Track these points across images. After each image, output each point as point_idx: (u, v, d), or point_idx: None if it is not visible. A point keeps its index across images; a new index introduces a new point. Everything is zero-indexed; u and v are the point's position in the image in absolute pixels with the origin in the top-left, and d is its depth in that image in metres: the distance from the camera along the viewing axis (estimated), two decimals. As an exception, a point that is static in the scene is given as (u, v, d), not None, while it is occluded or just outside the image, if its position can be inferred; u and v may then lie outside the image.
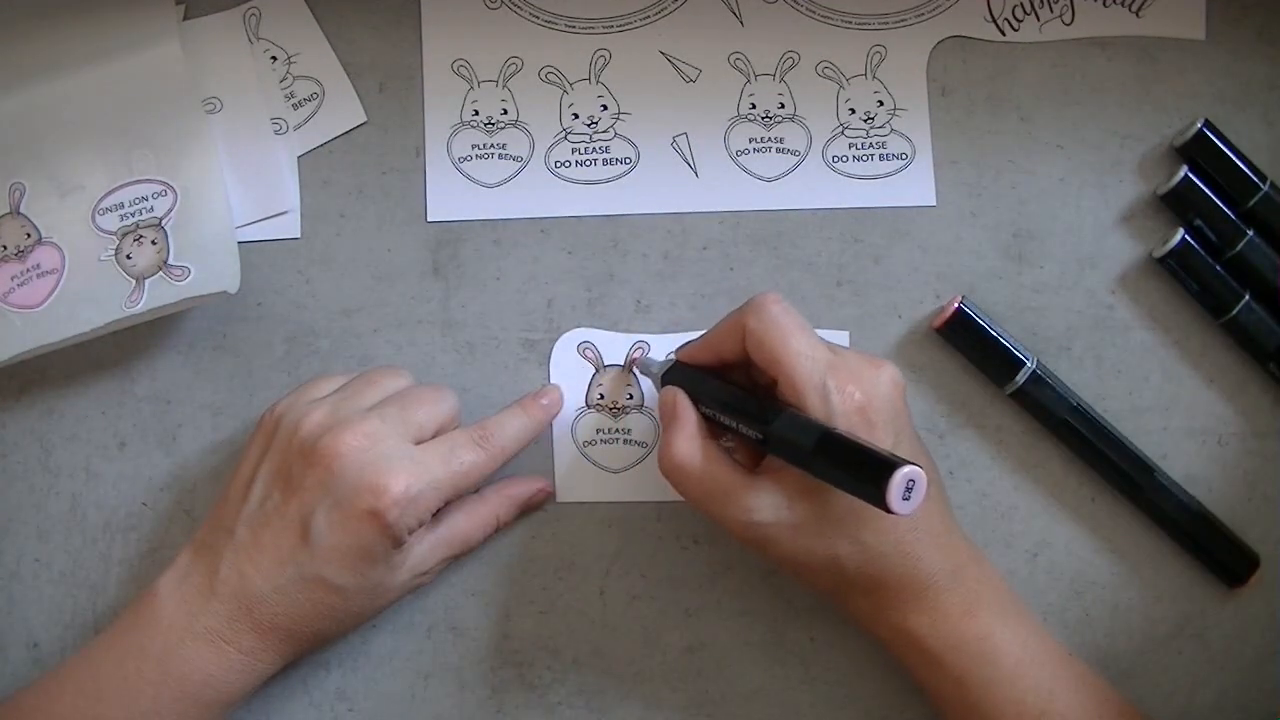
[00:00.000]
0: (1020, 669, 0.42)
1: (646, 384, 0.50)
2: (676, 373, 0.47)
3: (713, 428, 0.45)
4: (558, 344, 0.51)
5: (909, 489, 0.37)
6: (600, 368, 0.51)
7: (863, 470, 0.38)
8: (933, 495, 0.43)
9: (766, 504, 0.42)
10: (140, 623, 0.44)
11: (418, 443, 0.45)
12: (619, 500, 0.50)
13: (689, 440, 0.43)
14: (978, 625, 0.43)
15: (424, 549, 0.46)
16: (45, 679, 0.44)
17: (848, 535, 0.42)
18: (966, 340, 0.49)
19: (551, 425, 0.50)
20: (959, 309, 0.49)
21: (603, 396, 0.50)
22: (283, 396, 0.48)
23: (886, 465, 0.37)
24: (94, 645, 0.44)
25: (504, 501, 0.48)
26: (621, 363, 0.51)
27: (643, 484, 0.50)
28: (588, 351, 0.51)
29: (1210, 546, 0.49)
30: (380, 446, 0.43)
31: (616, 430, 0.50)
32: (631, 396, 0.50)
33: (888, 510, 0.37)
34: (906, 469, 0.36)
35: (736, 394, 0.44)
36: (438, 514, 0.45)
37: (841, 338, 0.50)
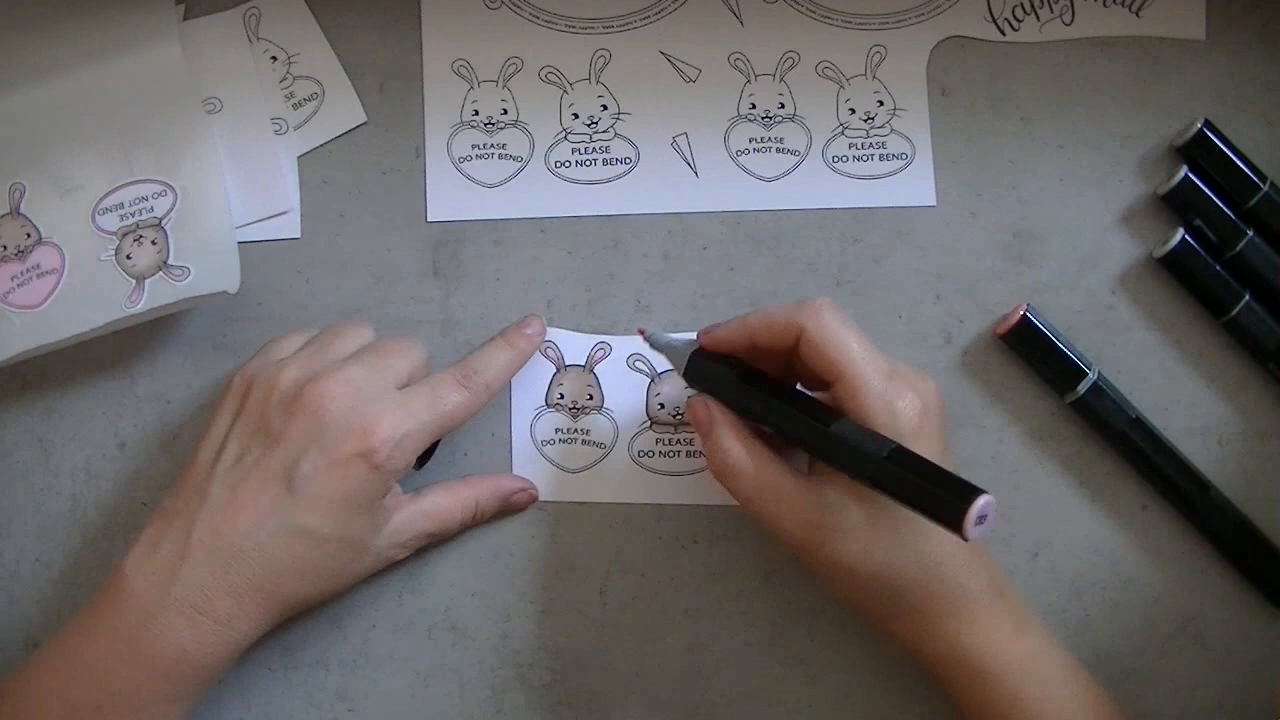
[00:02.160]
0: (1065, 687, 0.43)
1: (608, 385, 0.50)
2: (703, 368, 0.45)
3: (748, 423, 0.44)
4: None
5: (983, 518, 0.37)
6: (561, 367, 0.51)
7: (939, 493, 0.38)
8: None
9: (823, 506, 0.42)
10: (109, 601, 0.42)
11: (399, 388, 0.45)
12: (575, 500, 0.50)
13: (737, 441, 0.43)
14: (1028, 642, 0.43)
15: (403, 517, 0.46)
16: (25, 665, 0.43)
17: (905, 544, 0.41)
18: (1031, 349, 0.49)
19: (510, 424, 0.50)
20: (1024, 317, 0.48)
21: (563, 396, 0.50)
22: (246, 361, 0.48)
23: (966, 491, 0.37)
24: (67, 628, 0.43)
25: (487, 488, 0.49)
26: (583, 363, 0.50)
27: (599, 485, 0.50)
28: (549, 351, 0.51)
29: (1262, 566, 0.49)
30: (364, 391, 0.43)
31: (575, 430, 0.50)
32: (592, 397, 0.50)
33: (962, 536, 0.36)
34: (985, 497, 0.36)
35: (786, 404, 0.42)
36: (419, 490, 0.47)
37: None
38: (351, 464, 0.42)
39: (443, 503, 0.47)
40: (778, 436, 0.44)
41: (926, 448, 0.41)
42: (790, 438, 0.43)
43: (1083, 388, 0.48)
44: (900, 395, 0.41)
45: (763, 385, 0.43)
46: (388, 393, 0.44)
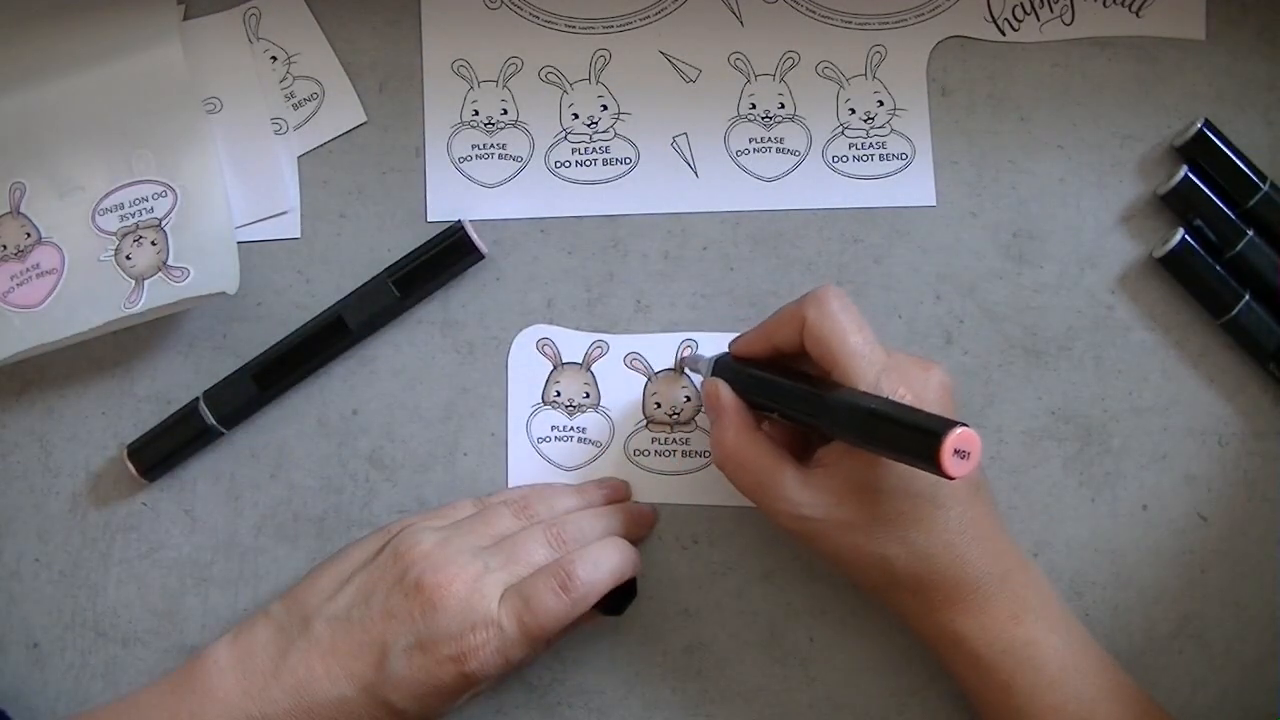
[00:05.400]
0: (1064, 676, 0.42)
1: (604, 383, 0.50)
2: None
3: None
4: (516, 340, 0.51)
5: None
6: (558, 364, 0.51)
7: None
8: (982, 499, 0.43)
9: (816, 499, 0.42)
10: (196, 686, 0.44)
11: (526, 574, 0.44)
12: None
13: (738, 431, 0.44)
14: (1025, 630, 0.42)
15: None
16: (91, 711, 0.45)
17: (897, 535, 0.42)
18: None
19: (506, 421, 0.50)
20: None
21: (559, 394, 0.50)
22: (424, 513, 0.48)
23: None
24: (143, 697, 0.44)
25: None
26: (580, 360, 0.51)
27: None
28: (546, 348, 0.51)
29: None
30: (479, 593, 0.43)
31: (571, 428, 0.50)
32: (588, 395, 0.50)
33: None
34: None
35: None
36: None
37: None
38: (445, 665, 0.42)
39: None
40: (782, 419, 0.44)
41: None
42: (790, 412, 0.43)
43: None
44: (892, 389, 0.41)
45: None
46: (502, 597, 0.43)
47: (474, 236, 0.50)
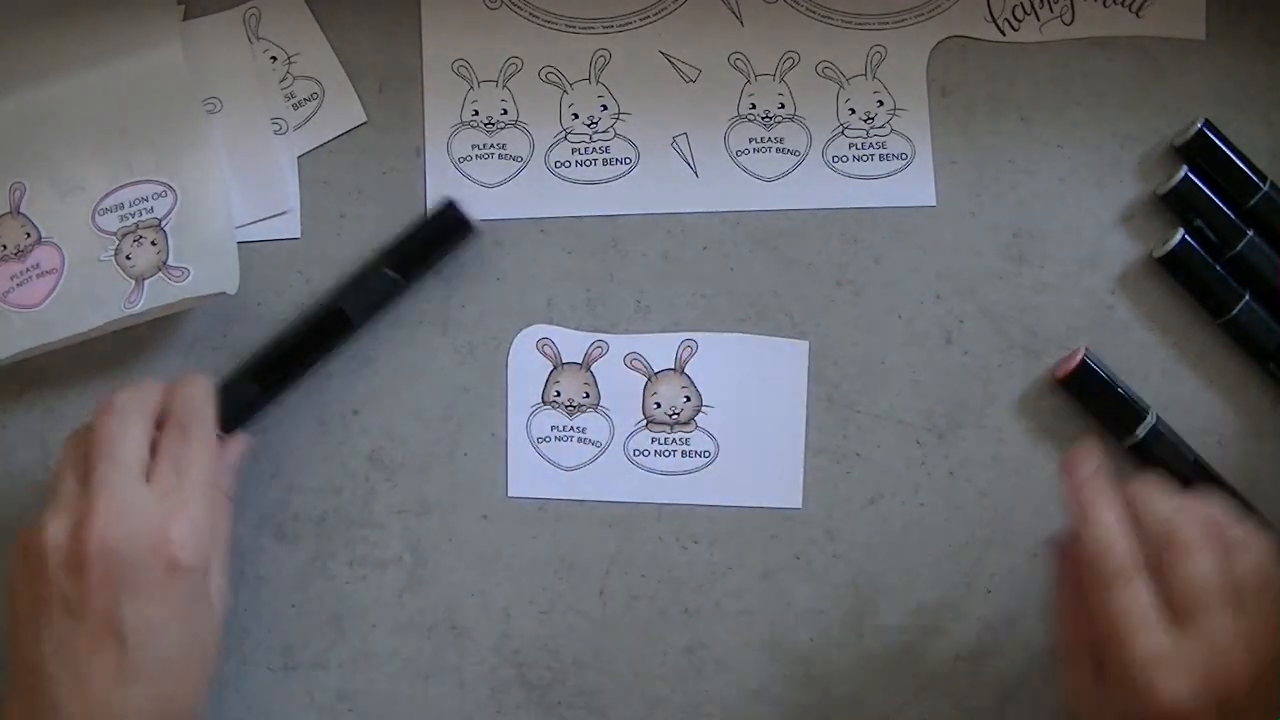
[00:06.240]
0: None
1: (604, 383, 0.50)
2: None
3: None
4: (516, 340, 0.51)
5: None
6: (558, 364, 0.51)
7: None
8: None
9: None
10: None
11: (148, 478, 0.41)
12: (569, 498, 0.50)
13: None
14: None
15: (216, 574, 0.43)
16: None
17: None
18: (1090, 391, 0.49)
19: (506, 421, 0.50)
20: (1084, 361, 0.48)
21: (559, 394, 0.50)
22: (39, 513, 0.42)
23: None
24: None
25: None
26: (580, 360, 0.50)
27: (595, 483, 0.50)
28: (546, 348, 0.51)
29: None
30: (131, 507, 0.40)
31: (571, 428, 0.50)
32: (588, 395, 0.50)
33: None
34: None
35: None
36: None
37: (800, 348, 0.50)
38: (167, 583, 0.39)
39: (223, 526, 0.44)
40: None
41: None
42: None
43: (1142, 431, 0.48)
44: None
45: None
46: (146, 497, 0.40)
47: (464, 211, 0.49)
